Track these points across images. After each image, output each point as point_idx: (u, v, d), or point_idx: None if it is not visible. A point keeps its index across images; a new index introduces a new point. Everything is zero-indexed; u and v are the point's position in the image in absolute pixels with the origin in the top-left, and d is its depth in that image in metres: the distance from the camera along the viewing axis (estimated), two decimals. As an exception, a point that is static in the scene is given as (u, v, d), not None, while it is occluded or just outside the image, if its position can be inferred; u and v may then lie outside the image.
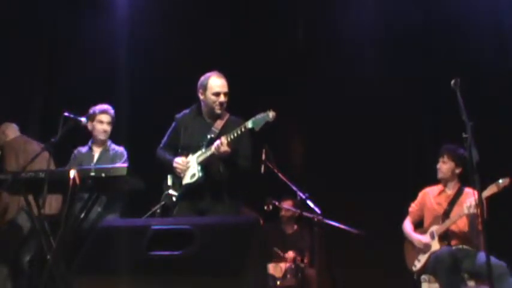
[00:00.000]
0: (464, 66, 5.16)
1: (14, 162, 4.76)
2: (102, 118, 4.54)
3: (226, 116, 3.90)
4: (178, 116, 4.02)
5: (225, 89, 3.86)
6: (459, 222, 4.26)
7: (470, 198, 4.12)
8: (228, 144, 3.61)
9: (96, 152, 4.60)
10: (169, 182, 3.88)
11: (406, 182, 5.41)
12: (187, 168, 3.77)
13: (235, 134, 3.61)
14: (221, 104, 3.85)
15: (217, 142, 3.63)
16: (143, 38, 6.37)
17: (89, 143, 4.64)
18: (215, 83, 3.85)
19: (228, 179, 3.77)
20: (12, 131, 5.10)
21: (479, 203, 3.27)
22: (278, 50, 6.33)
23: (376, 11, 6.05)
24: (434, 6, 5.83)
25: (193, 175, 3.74)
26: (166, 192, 3.86)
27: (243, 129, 3.60)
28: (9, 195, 4.49)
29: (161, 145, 4.05)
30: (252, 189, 4.03)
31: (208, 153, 3.71)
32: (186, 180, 3.78)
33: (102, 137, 4.56)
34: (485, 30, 5.51)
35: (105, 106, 4.60)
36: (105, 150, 4.59)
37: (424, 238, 4.34)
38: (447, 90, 3.40)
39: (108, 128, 4.56)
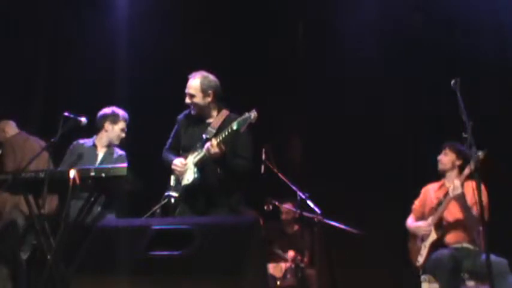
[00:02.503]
0: (464, 66, 5.16)
1: (12, 161, 4.75)
2: (124, 126, 4.61)
3: (225, 115, 3.84)
4: (179, 117, 4.00)
5: (189, 90, 3.79)
6: (452, 210, 4.24)
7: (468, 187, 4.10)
8: (218, 145, 3.57)
9: (100, 151, 4.57)
10: (172, 182, 3.87)
11: (406, 182, 5.41)
12: (186, 169, 3.76)
13: (224, 135, 3.57)
14: (189, 105, 3.83)
15: (208, 144, 3.60)
16: (143, 38, 6.37)
17: (93, 138, 4.60)
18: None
19: (226, 179, 3.73)
20: (11, 128, 5.09)
21: (479, 203, 3.27)
22: (278, 50, 6.32)
23: (376, 11, 6.05)
24: (434, 6, 5.83)
25: (190, 176, 3.73)
26: (167, 192, 3.86)
27: (229, 131, 3.56)
28: (7, 194, 4.47)
29: (166, 146, 4.04)
30: (252, 189, 4.01)
31: (202, 154, 3.69)
32: (184, 181, 3.76)
33: (117, 141, 4.61)
34: (485, 30, 5.50)
35: (125, 113, 4.65)
36: (109, 153, 4.58)
37: (424, 222, 4.35)
38: (447, 90, 3.40)
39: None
